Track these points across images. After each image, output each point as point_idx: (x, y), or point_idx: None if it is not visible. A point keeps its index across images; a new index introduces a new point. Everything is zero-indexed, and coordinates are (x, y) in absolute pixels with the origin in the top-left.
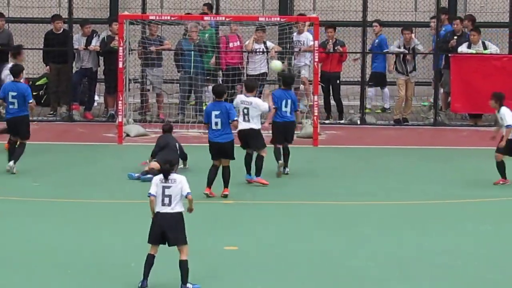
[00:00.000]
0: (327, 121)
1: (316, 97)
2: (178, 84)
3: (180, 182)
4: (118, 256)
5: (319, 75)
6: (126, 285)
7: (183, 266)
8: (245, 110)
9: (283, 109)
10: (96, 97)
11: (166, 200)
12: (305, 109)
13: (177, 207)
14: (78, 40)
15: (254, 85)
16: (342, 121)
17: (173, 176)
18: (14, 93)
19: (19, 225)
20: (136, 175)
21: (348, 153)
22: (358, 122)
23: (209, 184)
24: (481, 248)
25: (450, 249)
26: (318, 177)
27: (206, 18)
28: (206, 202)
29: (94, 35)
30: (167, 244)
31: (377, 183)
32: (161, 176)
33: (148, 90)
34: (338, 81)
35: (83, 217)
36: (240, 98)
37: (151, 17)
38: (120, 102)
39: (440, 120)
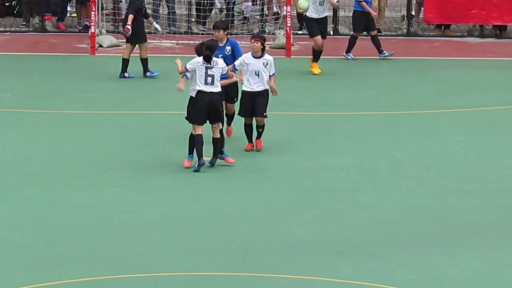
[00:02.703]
0: (299, 32)
1: (289, 8)
2: None
3: (221, 64)
4: (90, 166)
5: None
6: (98, 193)
7: (216, 142)
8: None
9: None
10: (68, 8)
11: (209, 79)
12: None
13: (219, 86)
14: None
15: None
16: None
17: (214, 59)
18: None
19: None
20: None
21: (321, 64)
22: (331, 33)
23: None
24: (454, 159)
25: (422, 160)
26: (290, 88)
27: None
28: (180, 113)
29: None
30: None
31: (349, 94)
32: (200, 59)
33: (121, 1)
34: None
35: (56, 128)
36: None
37: None
38: (93, 12)
39: (413, 30)
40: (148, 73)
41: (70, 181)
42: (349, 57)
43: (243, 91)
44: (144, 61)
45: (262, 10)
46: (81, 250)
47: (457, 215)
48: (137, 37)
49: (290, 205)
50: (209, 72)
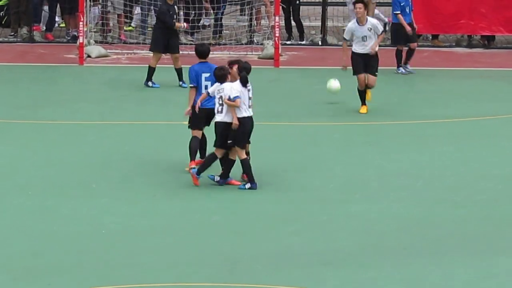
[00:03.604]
0: (288, 42)
1: (277, 18)
2: (139, 5)
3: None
4: (78, 176)
5: None
6: (86, 204)
7: (231, 163)
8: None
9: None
10: (57, 18)
11: (250, 102)
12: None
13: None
14: None
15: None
16: (303, 42)
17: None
18: None
19: None
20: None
21: (310, 74)
22: (319, 43)
23: (193, 157)
24: (441, 169)
25: (410, 170)
26: (279, 98)
27: None
28: (167, 123)
29: None
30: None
31: (338, 104)
32: (239, 85)
33: (109, 11)
34: (298, 2)
35: (44, 138)
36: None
37: None
38: (81, 23)
39: None
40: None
41: (58, 191)
42: (400, 71)
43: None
44: (179, 71)
45: (251, 20)
46: (69, 260)
47: (445, 226)
48: (153, 44)
49: (278, 216)
50: (249, 95)
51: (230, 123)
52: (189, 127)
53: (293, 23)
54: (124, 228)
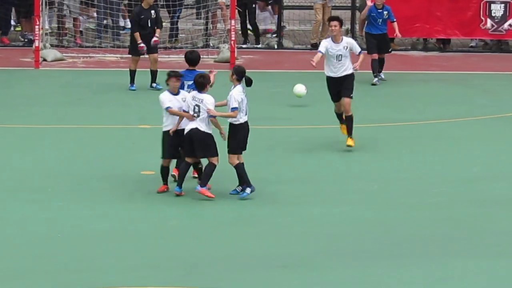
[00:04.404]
0: (244, 46)
1: (233, 22)
2: (95, 8)
3: None
4: (34, 180)
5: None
6: (42, 207)
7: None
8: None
9: None
10: (12, 22)
11: (247, 107)
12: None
13: None
14: None
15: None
16: (259, 46)
17: None
18: None
19: None
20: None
21: (266, 77)
22: (275, 47)
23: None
24: (397, 172)
25: (366, 174)
26: None
27: None
28: (124, 127)
29: None
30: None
31: (294, 108)
32: (239, 90)
33: (65, 15)
34: (254, 5)
35: None
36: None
37: None
38: (36, 26)
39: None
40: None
41: (13, 195)
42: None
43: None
44: (154, 72)
45: (207, 24)
46: (25, 265)
47: (401, 228)
48: (131, 49)
49: (235, 219)
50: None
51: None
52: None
53: (249, 26)
54: (80, 232)
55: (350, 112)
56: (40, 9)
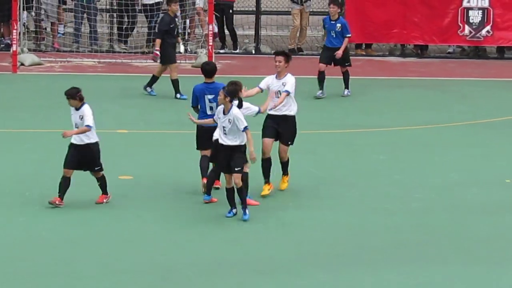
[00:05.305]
0: (222, 51)
1: (210, 27)
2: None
3: None
4: (11, 184)
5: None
6: (19, 212)
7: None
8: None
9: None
10: None
11: None
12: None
13: None
14: None
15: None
16: (236, 51)
17: None
18: None
19: None
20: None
21: (243, 82)
22: (253, 52)
23: (205, 174)
24: (375, 178)
25: (344, 179)
26: None
27: None
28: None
29: None
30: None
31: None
32: (237, 110)
33: (43, 19)
34: (231, 11)
35: None
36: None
37: None
38: (14, 31)
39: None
40: (178, 95)
41: None
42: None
43: None
44: (175, 82)
45: (184, 29)
46: (2, 269)
47: (379, 234)
48: (165, 59)
49: (211, 224)
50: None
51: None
52: (197, 148)
53: (226, 31)
54: (57, 237)
55: (286, 158)
56: (18, 13)
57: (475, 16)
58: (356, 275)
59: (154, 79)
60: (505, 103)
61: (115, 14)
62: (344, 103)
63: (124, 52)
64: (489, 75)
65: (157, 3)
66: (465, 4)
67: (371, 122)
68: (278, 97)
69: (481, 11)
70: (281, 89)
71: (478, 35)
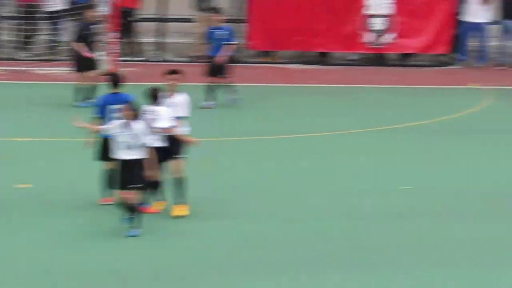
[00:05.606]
0: (125, 58)
1: (114, 34)
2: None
3: None
4: None
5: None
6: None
7: None
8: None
9: None
10: None
11: None
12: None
13: None
14: None
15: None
16: (140, 58)
17: None
18: None
19: None
20: None
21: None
22: (157, 59)
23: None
24: (272, 185)
25: (241, 186)
26: None
27: None
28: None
29: None
30: None
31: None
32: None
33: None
34: (129, 19)
35: None
36: None
37: None
38: None
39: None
40: (80, 103)
41: None
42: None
43: None
44: (81, 90)
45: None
46: None
47: (277, 242)
48: (81, 66)
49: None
50: None
51: None
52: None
53: (129, 39)
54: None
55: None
56: None
57: (377, 24)
58: (250, 282)
59: (87, 90)
60: (407, 110)
61: (17, 22)
62: (244, 110)
63: (27, 60)
64: (392, 82)
65: (64, 10)
66: (368, 11)
67: (271, 129)
68: None
69: (383, 18)
70: None
71: (379, 42)
